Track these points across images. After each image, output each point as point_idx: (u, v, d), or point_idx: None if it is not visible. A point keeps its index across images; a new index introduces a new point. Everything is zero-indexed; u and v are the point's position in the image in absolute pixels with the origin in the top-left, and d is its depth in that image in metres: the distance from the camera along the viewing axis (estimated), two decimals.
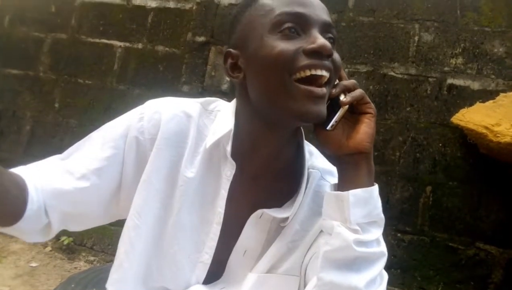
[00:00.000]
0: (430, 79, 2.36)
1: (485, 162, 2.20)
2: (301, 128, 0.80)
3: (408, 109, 2.37)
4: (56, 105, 3.02)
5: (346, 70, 2.46)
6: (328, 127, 0.70)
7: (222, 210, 0.76)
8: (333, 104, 0.70)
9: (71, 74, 3.03)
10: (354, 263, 0.65)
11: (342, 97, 0.69)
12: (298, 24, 0.67)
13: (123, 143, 0.77)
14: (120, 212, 0.80)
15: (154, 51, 2.88)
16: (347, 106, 0.69)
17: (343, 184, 0.70)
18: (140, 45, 2.92)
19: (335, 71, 0.69)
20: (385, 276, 0.70)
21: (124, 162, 0.76)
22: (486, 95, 2.23)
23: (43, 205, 0.73)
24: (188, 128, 0.78)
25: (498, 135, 1.95)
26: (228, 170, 0.75)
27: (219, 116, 0.79)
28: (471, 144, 2.20)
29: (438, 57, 2.36)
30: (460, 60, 2.33)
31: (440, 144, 2.31)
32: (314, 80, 0.67)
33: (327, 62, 0.67)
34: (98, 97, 2.95)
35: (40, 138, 2.99)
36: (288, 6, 0.68)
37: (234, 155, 0.75)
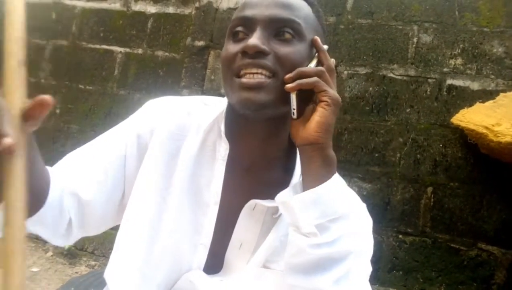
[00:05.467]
0: (430, 80, 2.36)
1: (486, 162, 2.20)
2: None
3: (408, 110, 2.37)
4: (57, 111, 3.04)
5: (345, 72, 2.47)
6: (292, 116, 0.71)
7: (218, 188, 0.77)
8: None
9: (72, 80, 3.05)
10: (318, 265, 0.65)
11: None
12: (246, 26, 0.72)
13: (125, 140, 0.79)
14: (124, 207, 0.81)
15: (154, 56, 2.90)
16: (295, 92, 0.69)
17: (302, 179, 0.70)
18: (140, 51, 2.94)
19: (280, 65, 0.70)
20: (364, 271, 0.70)
21: (126, 157, 0.78)
22: (486, 95, 2.23)
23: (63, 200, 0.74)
24: (187, 122, 0.80)
25: (498, 135, 1.94)
26: (223, 151, 0.77)
27: (215, 105, 0.83)
28: (471, 145, 2.19)
29: (437, 58, 2.36)
30: (459, 60, 2.33)
31: (441, 145, 2.31)
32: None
33: (261, 60, 0.69)
34: (99, 102, 2.97)
35: (41, 144, 2.95)
36: (241, 11, 0.73)
37: (228, 137, 0.78)
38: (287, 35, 0.71)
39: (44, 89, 3.07)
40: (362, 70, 2.46)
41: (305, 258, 0.65)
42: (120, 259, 0.78)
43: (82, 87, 3.02)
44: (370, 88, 2.43)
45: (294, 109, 0.70)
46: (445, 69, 2.35)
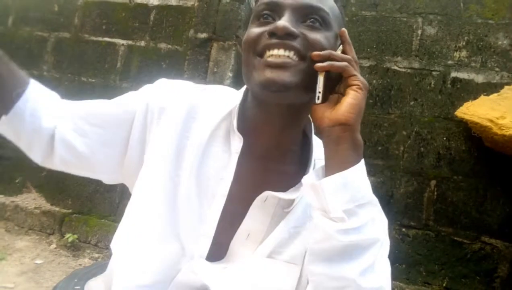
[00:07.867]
0: (434, 73, 2.35)
1: (490, 156, 2.19)
2: (310, 117, 0.79)
3: (412, 103, 2.36)
4: None
5: None
6: (316, 100, 0.69)
7: (229, 181, 0.76)
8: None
9: (75, 72, 3.05)
10: (344, 252, 0.63)
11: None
12: (273, 11, 0.71)
13: (136, 107, 0.80)
14: (123, 177, 0.83)
15: (156, 49, 2.89)
16: (323, 73, 0.68)
17: (326, 162, 0.67)
18: (142, 43, 2.93)
19: (308, 48, 0.69)
20: (387, 263, 0.67)
21: (133, 123, 0.79)
22: (491, 88, 2.22)
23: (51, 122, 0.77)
24: (199, 105, 0.80)
25: (502, 128, 1.94)
26: (237, 144, 0.77)
27: (229, 94, 0.83)
28: (475, 138, 2.19)
29: (441, 51, 2.35)
30: (464, 53, 2.32)
31: (445, 138, 2.30)
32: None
33: (289, 42, 0.68)
34: (102, 95, 2.93)
35: None
36: None
37: (241, 130, 0.77)
38: (316, 23, 0.71)
39: (47, 81, 3.07)
40: (366, 63, 2.44)
41: (332, 245, 0.63)
42: (129, 230, 0.78)
43: (85, 80, 3.02)
44: (374, 81, 2.41)
45: (319, 92, 0.68)
46: (449, 62, 2.33)
